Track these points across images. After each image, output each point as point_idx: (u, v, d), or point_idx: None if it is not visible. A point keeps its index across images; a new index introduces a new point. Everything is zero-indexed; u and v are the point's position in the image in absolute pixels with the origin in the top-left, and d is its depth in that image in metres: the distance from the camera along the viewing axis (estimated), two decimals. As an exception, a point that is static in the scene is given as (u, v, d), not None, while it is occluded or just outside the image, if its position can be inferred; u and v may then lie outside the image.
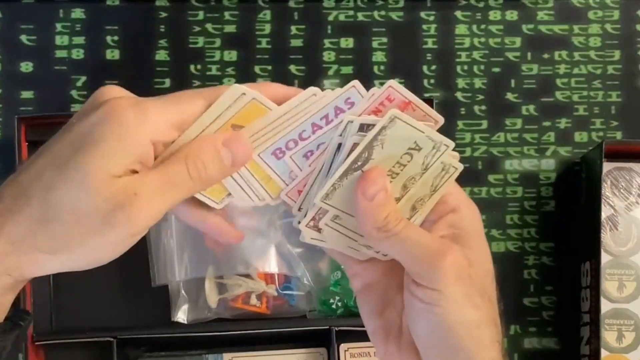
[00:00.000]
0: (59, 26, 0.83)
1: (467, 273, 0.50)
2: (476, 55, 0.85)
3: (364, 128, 0.49)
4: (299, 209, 0.52)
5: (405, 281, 0.51)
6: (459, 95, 0.85)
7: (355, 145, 0.48)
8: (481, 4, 0.85)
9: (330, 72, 0.84)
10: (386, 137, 0.48)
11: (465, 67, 0.85)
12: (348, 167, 0.48)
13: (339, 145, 0.50)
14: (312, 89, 0.50)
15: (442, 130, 0.50)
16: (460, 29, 0.85)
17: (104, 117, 0.47)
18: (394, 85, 0.49)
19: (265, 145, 0.51)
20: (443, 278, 0.49)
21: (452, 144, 0.50)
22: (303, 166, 0.51)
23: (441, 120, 0.51)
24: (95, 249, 0.48)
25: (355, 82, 0.51)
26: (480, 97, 0.84)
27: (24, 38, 0.83)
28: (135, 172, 0.47)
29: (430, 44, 0.85)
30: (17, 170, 0.48)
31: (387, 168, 0.49)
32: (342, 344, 0.77)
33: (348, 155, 0.48)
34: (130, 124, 0.47)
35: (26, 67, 0.83)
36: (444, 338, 0.50)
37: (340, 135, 0.50)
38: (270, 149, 0.51)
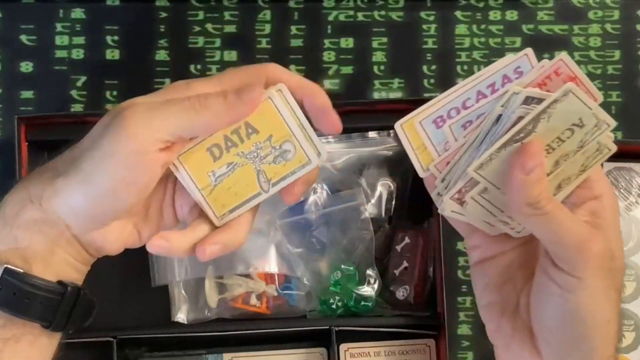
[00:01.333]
0: (59, 26, 0.83)
1: (609, 266, 0.50)
2: (476, 55, 0.85)
3: (528, 100, 0.48)
4: (442, 180, 0.51)
5: (541, 262, 0.50)
6: (459, 95, 0.84)
7: (519, 118, 0.47)
8: (481, 4, 0.85)
9: (331, 72, 0.84)
10: (555, 110, 0.47)
11: (465, 67, 0.85)
12: (510, 138, 0.47)
13: (499, 117, 0.49)
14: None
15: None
16: (460, 29, 0.85)
17: (115, 133, 0.51)
18: (565, 59, 0.49)
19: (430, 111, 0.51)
20: (588, 267, 0.48)
21: (613, 123, 0.49)
22: (459, 137, 0.50)
23: (600, 97, 0.50)
24: (96, 168, 0.50)
25: (528, 51, 0.50)
26: (480, 97, 0.84)
27: (24, 38, 0.83)
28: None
29: (430, 44, 0.85)
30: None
31: (546, 142, 0.48)
32: (342, 344, 0.77)
33: (511, 127, 0.47)
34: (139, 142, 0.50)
35: (26, 67, 0.83)
36: (572, 327, 0.49)
37: (502, 106, 0.49)
38: (432, 116, 0.50)
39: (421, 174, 0.52)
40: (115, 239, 0.54)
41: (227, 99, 0.50)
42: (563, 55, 0.49)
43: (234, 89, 0.51)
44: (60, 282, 0.51)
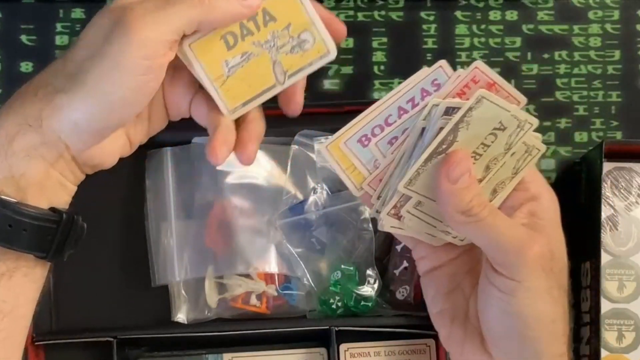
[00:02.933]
0: (59, 26, 0.83)
1: (550, 266, 0.49)
2: (476, 55, 0.85)
3: (449, 111, 0.48)
4: (378, 197, 0.51)
5: (483, 267, 0.51)
6: (459, 95, 0.84)
7: (441, 129, 0.48)
8: (481, 4, 0.85)
9: (331, 72, 0.84)
10: (472, 117, 0.47)
11: (465, 67, 0.84)
12: (433, 151, 0.47)
13: (423, 130, 0.49)
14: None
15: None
16: (460, 29, 0.85)
17: (118, 33, 0.48)
18: (480, 66, 0.49)
19: (352, 132, 0.50)
20: (526, 270, 0.48)
21: (535, 122, 0.49)
22: (387, 153, 0.50)
23: (524, 100, 0.50)
24: (101, 78, 0.47)
25: (442, 62, 0.50)
26: (480, 97, 0.84)
27: (24, 38, 0.83)
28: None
29: (430, 44, 0.85)
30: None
31: (471, 150, 0.48)
32: (342, 344, 0.77)
33: (434, 139, 0.48)
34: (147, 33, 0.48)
35: (26, 67, 0.83)
36: (516, 328, 0.49)
37: (424, 119, 0.49)
38: (356, 135, 0.50)
39: (355, 193, 0.52)
40: (110, 151, 0.52)
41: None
42: (477, 62, 0.49)
43: None
44: (53, 209, 0.50)
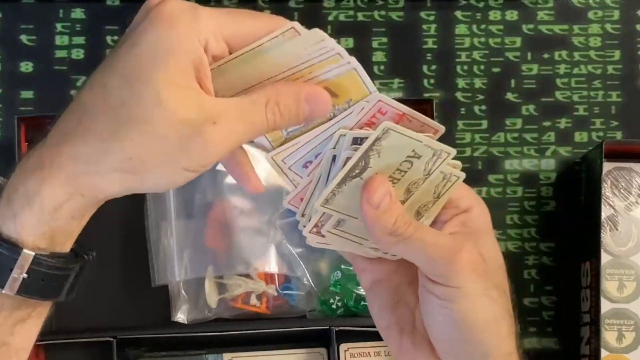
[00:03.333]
0: (59, 26, 0.83)
1: (483, 268, 0.50)
2: (476, 55, 0.85)
3: (357, 141, 0.49)
4: (302, 215, 0.52)
5: (420, 279, 0.51)
6: (459, 95, 0.85)
7: (348, 159, 0.48)
8: (481, 4, 0.85)
9: (330, 72, 0.84)
10: (382, 147, 0.48)
11: (465, 67, 0.85)
12: (345, 176, 0.48)
13: (334, 157, 0.50)
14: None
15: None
16: (460, 29, 0.85)
17: (155, 24, 0.45)
18: (384, 99, 0.49)
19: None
20: (460, 275, 0.49)
21: (453, 152, 0.49)
22: (303, 175, 0.51)
23: (442, 129, 0.50)
24: (170, 172, 0.47)
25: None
26: (480, 97, 0.84)
27: (24, 38, 0.83)
28: (197, 82, 0.45)
29: (430, 44, 0.85)
30: (78, 91, 0.48)
31: (387, 174, 0.49)
32: (342, 344, 0.77)
33: (343, 166, 0.48)
34: (181, 28, 0.45)
35: (26, 67, 0.83)
36: (462, 333, 0.50)
37: (334, 147, 0.50)
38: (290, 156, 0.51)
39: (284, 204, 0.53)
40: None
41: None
42: (379, 96, 0.49)
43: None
44: (74, 251, 0.49)
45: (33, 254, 0.47)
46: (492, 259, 0.52)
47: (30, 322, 0.49)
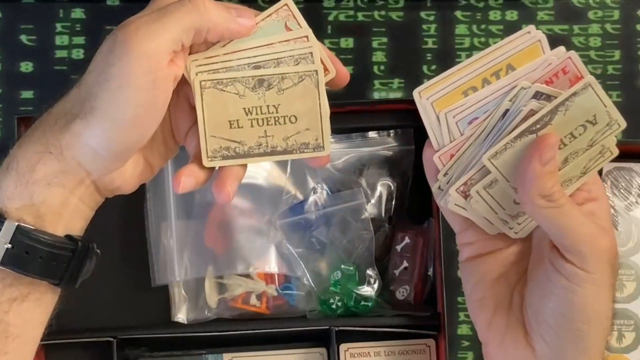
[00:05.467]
0: (59, 26, 0.83)
1: (615, 264, 0.50)
2: (476, 55, 0.85)
3: (537, 96, 0.48)
4: (445, 174, 0.51)
5: (548, 256, 0.50)
6: (459, 95, 0.84)
7: (531, 111, 0.48)
8: (481, 4, 0.85)
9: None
10: (573, 103, 0.48)
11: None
12: (527, 128, 0.48)
13: (506, 112, 0.49)
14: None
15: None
16: (460, 29, 0.85)
17: (120, 49, 0.48)
18: (573, 57, 0.49)
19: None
20: (598, 261, 0.49)
21: (624, 124, 0.49)
22: (465, 130, 0.50)
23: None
24: (111, 100, 0.48)
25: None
26: (480, 97, 0.84)
27: (24, 38, 0.83)
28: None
29: (430, 44, 0.85)
30: None
31: (560, 136, 0.48)
32: (342, 344, 0.77)
33: (522, 121, 0.48)
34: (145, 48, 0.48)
35: (26, 67, 0.83)
36: (574, 321, 0.49)
37: (510, 100, 0.49)
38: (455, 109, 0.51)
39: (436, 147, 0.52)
40: (131, 176, 0.53)
41: (229, 12, 0.50)
42: (571, 53, 0.49)
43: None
44: (69, 237, 0.50)
45: (16, 223, 0.47)
46: (618, 257, 0.51)
47: (28, 305, 0.49)
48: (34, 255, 0.48)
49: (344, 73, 0.54)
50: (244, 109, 0.52)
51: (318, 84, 0.52)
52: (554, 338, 0.50)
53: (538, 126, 0.48)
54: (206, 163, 0.53)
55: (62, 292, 0.52)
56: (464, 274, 0.55)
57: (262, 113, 0.52)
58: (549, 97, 0.48)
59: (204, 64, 0.51)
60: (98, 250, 0.53)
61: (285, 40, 0.52)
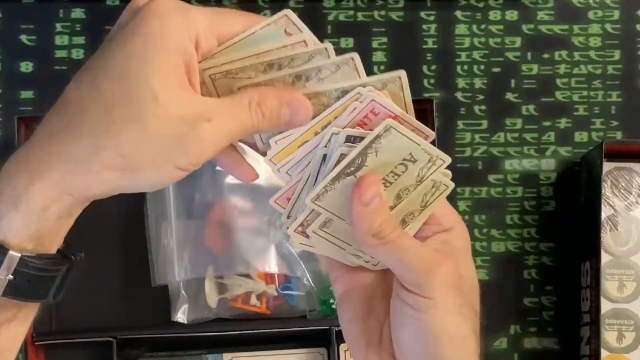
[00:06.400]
0: (59, 26, 0.83)
1: (459, 284, 0.50)
2: (476, 55, 0.85)
3: (351, 139, 0.49)
4: (288, 217, 0.52)
5: (395, 288, 0.51)
6: (459, 95, 0.85)
7: (342, 155, 0.48)
8: (481, 4, 0.85)
9: (330, 72, 0.84)
10: (381, 145, 0.48)
11: (465, 67, 0.85)
12: (341, 171, 0.49)
13: (324, 156, 0.50)
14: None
15: (443, 130, 0.50)
16: (460, 29, 0.85)
17: (147, 20, 0.45)
18: (377, 99, 0.49)
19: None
20: (436, 287, 0.49)
21: (448, 160, 0.50)
22: (293, 174, 0.51)
23: (432, 135, 0.50)
24: (162, 170, 0.46)
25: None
26: (480, 97, 0.84)
27: (24, 38, 0.83)
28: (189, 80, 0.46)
29: (430, 44, 0.85)
30: (64, 91, 0.47)
31: (381, 175, 0.49)
32: (342, 344, 0.77)
33: (336, 164, 0.48)
34: (172, 24, 0.45)
35: (26, 67, 0.83)
36: (430, 346, 0.50)
37: (325, 146, 0.50)
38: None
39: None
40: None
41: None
42: (374, 95, 0.49)
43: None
44: (61, 253, 0.49)
45: (19, 255, 0.46)
46: (469, 278, 0.52)
47: (16, 323, 0.49)
48: (35, 283, 0.48)
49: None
50: None
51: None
52: None
53: (352, 168, 0.49)
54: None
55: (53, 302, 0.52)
56: (340, 313, 0.55)
57: None
58: (361, 139, 0.49)
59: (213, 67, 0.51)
60: (72, 257, 0.52)
61: (288, 45, 0.52)
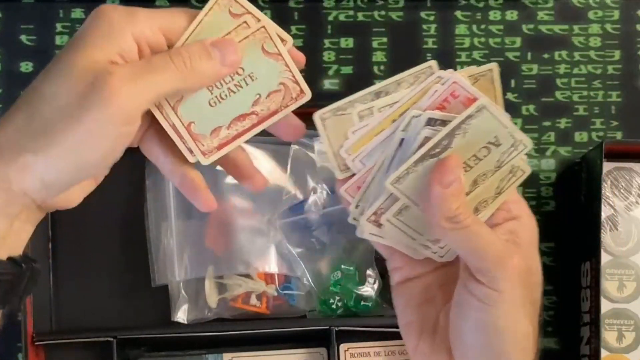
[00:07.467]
0: (59, 26, 0.83)
1: (527, 280, 0.50)
2: (476, 55, 0.85)
3: (431, 122, 0.48)
4: (357, 206, 0.51)
5: (462, 277, 0.51)
6: (459, 95, 0.84)
7: (427, 138, 0.48)
8: (481, 4, 0.85)
9: (330, 72, 0.84)
10: (470, 126, 0.47)
11: (465, 67, 0.85)
12: (425, 154, 0.48)
13: (402, 141, 0.49)
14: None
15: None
16: (460, 29, 0.85)
17: (92, 18, 0.48)
18: (459, 81, 0.49)
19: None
20: (507, 280, 0.48)
21: (530, 145, 0.49)
22: (367, 162, 0.51)
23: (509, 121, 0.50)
24: (77, 142, 0.46)
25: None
26: (480, 97, 0.84)
27: (24, 38, 0.83)
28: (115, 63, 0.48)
29: (430, 44, 0.85)
30: None
31: (463, 159, 0.48)
32: (342, 344, 0.77)
33: (419, 148, 0.48)
34: (115, 20, 0.48)
35: (26, 67, 0.83)
36: (491, 340, 0.49)
37: (404, 130, 0.49)
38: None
39: (338, 175, 0.52)
40: (77, 195, 0.52)
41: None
42: (455, 77, 0.49)
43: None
44: (12, 260, 0.49)
45: None
46: (535, 272, 0.51)
47: None
48: None
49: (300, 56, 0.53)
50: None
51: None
52: (476, 358, 0.50)
53: (438, 150, 0.48)
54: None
55: (5, 311, 0.51)
56: (395, 298, 0.55)
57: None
58: (443, 122, 0.48)
59: None
60: (39, 268, 0.52)
61: (231, 30, 0.52)
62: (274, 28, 0.52)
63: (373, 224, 0.51)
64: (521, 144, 0.49)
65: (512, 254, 0.49)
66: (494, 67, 0.52)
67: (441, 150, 0.48)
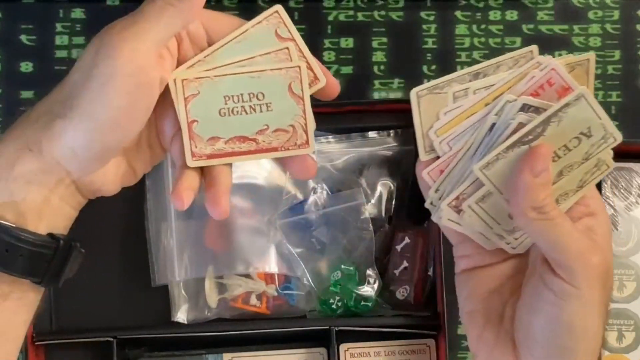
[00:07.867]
0: (59, 26, 0.83)
1: (605, 281, 0.49)
2: (476, 55, 0.85)
3: (525, 109, 0.48)
4: (436, 190, 0.51)
5: (539, 270, 0.50)
6: (459, 95, 0.84)
7: (520, 124, 0.47)
8: (481, 4, 0.85)
9: (331, 72, 0.84)
10: (566, 115, 0.47)
11: (465, 67, 0.84)
12: (517, 140, 0.47)
13: (492, 126, 0.49)
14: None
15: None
16: (460, 29, 0.85)
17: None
18: (557, 69, 0.49)
19: None
20: (587, 278, 0.48)
21: (620, 138, 0.49)
22: (453, 146, 0.50)
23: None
24: (92, 100, 0.48)
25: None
26: (480, 97, 0.84)
27: (24, 38, 0.83)
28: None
29: (430, 44, 0.85)
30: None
31: (554, 149, 0.48)
32: (342, 344, 0.77)
33: (511, 134, 0.47)
34: None
35: (26, 67, 0.83)
36: (560, 338, 0.49)
37: (496, 114, 0.49)
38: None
39: (422, 157, 0.52)
40: (112, 178, 0.52)
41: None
42: (555, 64, 0.49)
43: None
44: (51, 235, 0.50)
45: None
46: (612, 277, 0.51)
47: (9, 304, 0.49)
48: (14, 253, 0.48)
49: (334, 83, 0.53)
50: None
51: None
52: (541, 354, 0.49)
53: (530, 137, 0.47)
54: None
55: (45, 291, 0.52)
56: (459, 285, 0.54)
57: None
58: (537, 110, 0.48)
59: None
60: (83, 250, 0.52)
61: (271, 52, 0.52)
62: (314, 63, 0.52)
63: (453, 209, 0.50)
64: (612, 136, 0.49)
65: (594, 252, 0.48)
66: (591, 57, 0.51)
67: (533, 138, 0.47)
